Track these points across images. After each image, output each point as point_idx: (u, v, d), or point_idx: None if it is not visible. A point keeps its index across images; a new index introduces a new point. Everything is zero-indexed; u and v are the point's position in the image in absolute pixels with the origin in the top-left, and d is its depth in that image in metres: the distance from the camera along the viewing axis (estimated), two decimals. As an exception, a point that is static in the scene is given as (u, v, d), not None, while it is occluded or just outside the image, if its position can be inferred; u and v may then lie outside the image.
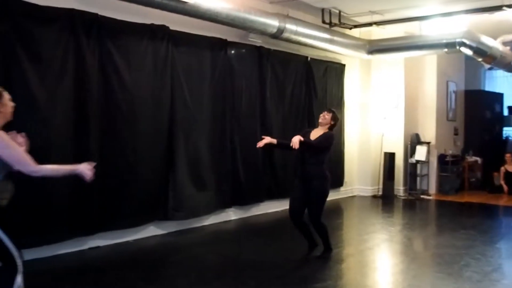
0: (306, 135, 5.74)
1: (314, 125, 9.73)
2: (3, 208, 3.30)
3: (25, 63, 5.44)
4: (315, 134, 5.80)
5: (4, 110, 3.31)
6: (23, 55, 5.42)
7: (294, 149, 5.35)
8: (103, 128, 6.21)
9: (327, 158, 5.84)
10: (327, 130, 5.83)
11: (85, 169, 3.45)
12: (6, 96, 3.35)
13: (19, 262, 3.28)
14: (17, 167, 3.21)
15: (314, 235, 5.96)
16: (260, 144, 5.55)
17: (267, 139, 5.59)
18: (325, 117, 5.83)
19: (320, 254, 5.94)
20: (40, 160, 5.45)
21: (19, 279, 3.28)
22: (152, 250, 6.35)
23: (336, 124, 5.97)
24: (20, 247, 5.30)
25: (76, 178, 5.74)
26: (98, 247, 6.26)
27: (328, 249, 5.99)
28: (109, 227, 6.33)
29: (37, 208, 5.56)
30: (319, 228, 5.84)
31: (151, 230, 6.94)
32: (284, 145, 5.65)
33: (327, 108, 6.16)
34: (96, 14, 6.11)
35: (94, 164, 3.55)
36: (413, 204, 10.43)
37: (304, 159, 5.68)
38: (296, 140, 5.32)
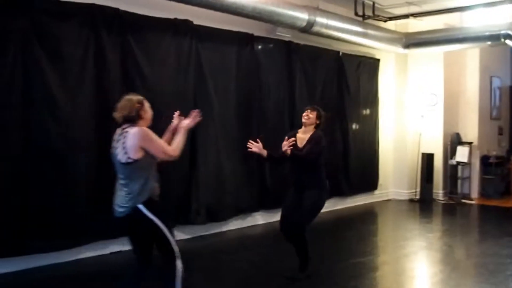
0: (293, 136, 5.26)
1: (347, 125, 9.78)
2: (156, 201, 3.85)
3: (44, 61, 5.55)
4: (301, 137, 5.32)
5: (146, 116, 3.91)
6: (42, 53, 5.53)
7: (286, 157, 5.03)
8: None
9: (323, 162, 5.38)
10: (313, 131, 5.35)
11: (190, 122, 4.13)
12: (146, 103, 3.96)
13: (176, 248, 3.82)
14: (161, 156, 3.78)
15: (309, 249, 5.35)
16: (251, 148, 5.15)
17: (255, 147, 5.15)
18: (309, 116, 5.32)
19: (289, 274, 5.34)
20: (60, 161, 5.62)
21: (179, 264, 3.82)
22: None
23: (323, 123, 5.43)
24: (38, 251, 5.48)
25: (97, 180, 5.95)
26: (120, 251, 6.32)
27: (303, 267, 5.32)
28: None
29: (55, 211, 5.66)
30: (299, 240, 5.20)
31: (176, 235, 6.93)
32: (275, 160, 5.36)
33: (310, 105, 5.53)
34: (117, 9, 6.18)
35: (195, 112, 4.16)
36: (454, 209, 10.31)
37: (294, 166, 5.33)
38: (287, 149, 4.97)
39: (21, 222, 5.42)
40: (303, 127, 5.40)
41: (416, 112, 11.07)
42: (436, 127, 10.96)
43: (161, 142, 3.84)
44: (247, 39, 7.86)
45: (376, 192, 10.82)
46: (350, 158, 9.96)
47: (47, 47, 5.56)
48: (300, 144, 5.27)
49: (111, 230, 6.12)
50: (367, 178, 10.48)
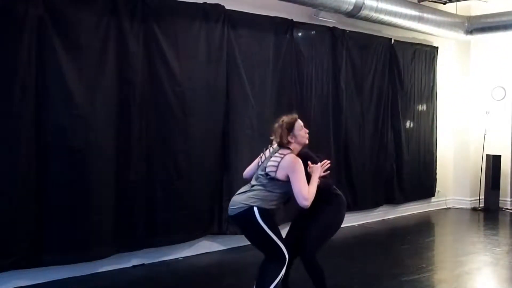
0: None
1: (399, 124, 9.67)
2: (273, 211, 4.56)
3: (61, 51, 5.61)
4: None
5: (296, 141, 4.62)
6: (58, 43, 5.59)
7: None
8: (149, 127, 6.33)
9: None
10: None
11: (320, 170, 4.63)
12: (297, 125, 4.66)
13: (286, 255, 4.47)
14: (296, 194, 4.34)
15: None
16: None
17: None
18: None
19: None
20: (77, 162, 5.70)
21: (283, 271, 4.47)
22: (204, 270, 6.41)
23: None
24: (54, 263, 5.57)
25: (118, 184, 6.02)
26: (143, 264, 6.39)
27: None
28: (155, 243, 6.45)
29: (76, 221, 5.73)
30: (314, 268, 4.88)
31: (204, 246, 7.03)
32: None
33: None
34: (140, -7, 6.25)
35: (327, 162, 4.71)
36: (524, 219, 10.17)
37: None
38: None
39: (36, 231, 5.51)
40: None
41: (480, 108, 10.95)
42: (503, 125, 10.87)
43: (303, 180, 4.38)
44: (286, 25, 7.85)
45: (433, 199, 10.77)
46: (404, 160, 9.91)
47: (63, 37, 5.62)
48: None
49: (134, 241, 6.23)
50: (423, 184, 10.41)
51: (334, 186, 5.11)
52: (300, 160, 4.42)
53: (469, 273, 6.53)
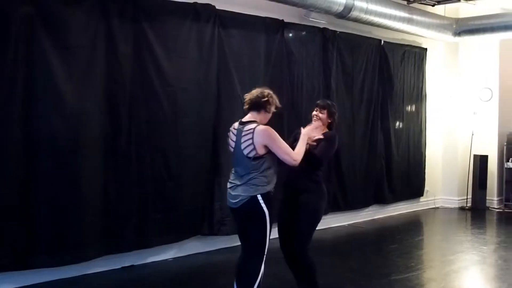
0: (297, 138, 4.79)
1: (389, 124, 9.66)
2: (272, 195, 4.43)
3: (50, 51, 5.49)
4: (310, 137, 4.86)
5: (269, 115, 4.52)
6: (47, 42, 5.47)
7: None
8: (139, 127, 6.24)
9: (325, 165, 5.13)
10: (325, 130, 5.01)
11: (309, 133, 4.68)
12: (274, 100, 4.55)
13: (265, 252, 4.39)
14: (284, 158, 4.33)
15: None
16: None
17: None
18: (319, 116, 5.00)
19: None
20: (66, 163, 5.59)
21: (263, 266, 4.40)
22: (194, 271, 6.34)
23: (336, 121, 5.12)
24: (42, 266, 5.44)
25: (108, 184, 5.91)
26: (132, 266, 6.30)
27: None
28: (145, 244, 6.36)
29: (65, 223, 5.62)
30: (305, 264, 4.82)
31: (194, 247, 6.95)
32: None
33: (320, 102, 5.16)
34: (130, -7, 6.16)
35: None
36: (510, 218, 10.25)
37: (293, 167, 4.60)
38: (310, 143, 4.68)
39: (24, 233, 5.39)
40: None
41: (468, 108, 11.00)
42: (490, 126, 10.91)
43: (284, 144, 4.37)
44: (276, 25, 7.80)
45: (422, 199, 10.82)
46: (393, 161, 9.93)
47: (52, 36, 5.51)
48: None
49: (124, 242, 6.13)
50: (412, 184, 10.46)
51: (320, 173, 4.95)
52: (269, 127, 4.36)
53: (457, 271, 6.57)
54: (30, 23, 5.36)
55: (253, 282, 4.35)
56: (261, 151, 4.27)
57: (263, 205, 4.30)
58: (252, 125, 4.34)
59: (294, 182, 4.86)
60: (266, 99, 4.43)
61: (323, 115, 5.00)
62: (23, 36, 5.33)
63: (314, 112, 5.06)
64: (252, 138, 4.26)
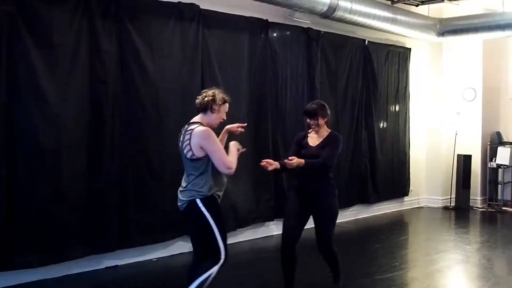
0: (301, 141, 5.20)
1: (373, 124, 9.68)
2: (216, 199, 4.32)
3: (32, 49, 5.48)
4: (314, 139, 5.17)
5: (218, 115, 4.40)
6: (29, 41, 5.45)
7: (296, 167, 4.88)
8: (122, 126, 6.22)
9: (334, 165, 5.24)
10: (327, 130, 5.21)
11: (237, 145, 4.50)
12: (227, 107, 4.48)
13: (222, 256, 4.27)
14: (217, 163, 4.18)
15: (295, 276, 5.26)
16: (265, 165, 4.92)
17: (273, 164, 4.92)
18: (316, 124, 5.11)
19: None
20: (49, 163, 5.56)
21: (215, 269, 4.24)
22: (179, 271, 6.21)
23: (329, 115, 5.26)
24: (23, 266, 5.41)
25: (91, 184, 5.89)
26: (116, 266, 6.28)
27: (338, 281, 5.34)
28: (128, 244, 6.34)
29: (47, 223, 5.59)
30: (331, 256, 5.21)
31: (178, 247, 6.93)
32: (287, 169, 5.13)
33: (309, 109, 5.19)
34: (114, -8, 6.14)
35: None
36: (494, 217, 10.29)
37: (306, 169, 5.01)
38: (293, 163, 4.81)
39: (5, 233, 5.35)
40: (311, 132, 5.24)
41: (452, 108, 11.02)
42: (474, 126, 10.91)
43: (219, 150, 4.24)
44: (261, 25, 7.80)
45: (406, 199, 10.82)
46: (377, 160, 9.93)
47: (35, 34, 5.50)
48: (312, 143, 5.15)
49: (107, 242, 6.11)
50: (396, 183, 10.47)
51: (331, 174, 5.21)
52: (210, 129, 4.23)
53: (441, 271, 6.57)
54: (12, 21, 5.33)
55: (196, 282, 4.19)
56: (198, 153, 4.17)
57: (203, 209, 4.18)
58: (194, 126, 4.26)
59: (311, 186, 5.07)
60: (209, 98, 4.32)
61: (315, 121, 5.09)
62: (5, 35, 5.30)
63: (308, 121, 5.14)
64: (190, 139, 4.19)
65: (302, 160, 4.85)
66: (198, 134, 4.16)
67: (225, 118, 4.47)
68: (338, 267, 5.30)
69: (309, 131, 5.23)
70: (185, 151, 4.22)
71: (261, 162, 4.94)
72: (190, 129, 4.23)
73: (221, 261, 4.27)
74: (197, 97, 4.40)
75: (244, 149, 4.58)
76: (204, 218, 4.19)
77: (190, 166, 4.24)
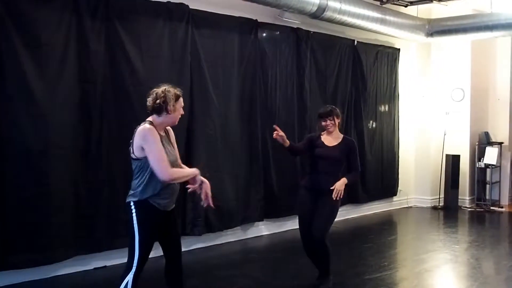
0: (315, 141, 5.58)
1: (362, 124, 9.69)
2: (152, 205, 3.99)
3: (21, 48, 5.45)
4: (328, 138, 5.57)
5: (174, 114, 4.09)
6: (18, 40, 5.42)
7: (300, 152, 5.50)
8: (111, 126, 6.20)
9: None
10: (341, 135, 5.68)
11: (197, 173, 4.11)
12: (182, 102, 4.19)
13: (134, 264, 3.94)
14: (153, 167, 3.87)
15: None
16: (277, 134, 5.24)
17: (280, 136, 5.24)
18: (332, 124, 5.54)
19: (318, 283, 5.55)
20: (37, 163, 5.53)
21: (129, 277, 3.94)
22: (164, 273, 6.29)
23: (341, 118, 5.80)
24: (12, 267, 5.37)
25: (79, 185, 5.86)
26: (104, 267, 6.26)
27: (327, 276, 5.54)
28: (116, 244, 6.26)
29: (35, 223, 5.56)
30: (324, 248, 5.40)
31: (167, 247, 6.87)
32: (296, 150, 5.74)
33: (323, 111, 5.65)
34: (103, -9, 6.12)
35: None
36: (482, 217, 10.32)
37: (318, 167, 5.50)
38: (340, 188, 5.31)
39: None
40: (324, 134, 5.62)
41: (440, 108, 11.05)
42: (462, 126, 10.93)
43: (158, 153, 3.90)
44: (250, 25, 7.80)
45: (395, 198, 10.83)
46: (366, 161, 9.90)
47: (23, 34, 5.47)
48: (328, 143, 5.54)
49: (95, 243, 6.11)
50: (385, 183, 10.49)
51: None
52: (154, 130, 3.92)
53: (430, 270, 6.60)
54: (0, 21, 5.29)
55: None
56: (138, 152, 3.94)
57: (133, 213, 3.94)
58: (142, 124, 4.02)
59: (320, 182, 5.42)
60: (161, 100, 4.04)
61: (332, 121, 5.52)
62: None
63: (324, 123, 5.52)
64: (133, 137, 3.98)
65: (345, 180, 5.35)
66: (139, 133, 3.92)
67: (182, 113, 4.20)
68: (328, 262, 5.48)
69: (322, 133, 5.61)
70: (131, 149, 4.01)
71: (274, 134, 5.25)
72: (137, 127, 4.02)
73: (133, 269, 3.94)
74: (147, 98, 4.12)
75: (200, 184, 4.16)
76: (131, 222, 3.95)
77: (134, 165, 4.02)
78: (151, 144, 3.87)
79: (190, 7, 6.91)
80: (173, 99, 4.07)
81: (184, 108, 6.67)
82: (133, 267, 3.95)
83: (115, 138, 6.22)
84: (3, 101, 5.37)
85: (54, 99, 5.69)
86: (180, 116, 4.17)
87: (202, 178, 4.16)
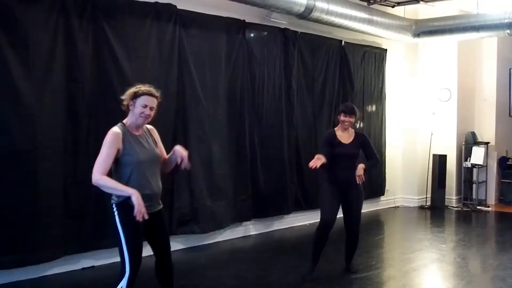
0: (333, 141, 5.90)
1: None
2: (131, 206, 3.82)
3: (7, 49, 5.44)
4: (343, 135, 5.96)
5: (135, 112, 4.05)
6: (4, 40, 5.41)
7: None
8: (98, 127, 6.13)
9: None
10: (352, 130, 6.07)
11: (137, 200, 3.80)
12: (144, 100, 4.10)
13: (127, 269, 3.91)
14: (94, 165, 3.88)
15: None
16: (314, 164, 5.44)
17: (321, 159, 5.49)
18: (350, 122, 5.94)
19: (353, 269, 6.23)
20: (24, 163, 5.52)
21: (123, 283, 3.90)
22: (152, 271, 6.25)
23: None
24: (2, 267, 5.35)
25: (66, 185, 5.86)
26: (92, 267, 6.26)
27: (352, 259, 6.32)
28: (105, 244, 6.27)
29: (21, 220, 5.55)
30: (358, 235, 6.19)
31: (154, 247, 6.88)
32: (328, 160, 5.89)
33: (347, 108, 6.01)
34: (90, -9, 6.12)
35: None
36: (468, 216, 10.34)
37: (340, 164, 5.85)
38: (360, 174, 5.79)
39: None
40: (341, 130, 5.96)
41: (427, 109, 11.07)
42: (449, 126, 10.96)
43: (103, 156, 3.92)
44: (238, 26, 7.81)
45: (383, 198, 10.84)
46: (354, 160, 9.87)
47: (9, 34, 5.45)
48: (345, 141, 5.93)
49: (82, 243, 6.10)
50: (373, 183, 10.41)
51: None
52: (114, 133, 3.93)
53: (417, 269, 6.62)
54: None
55: None
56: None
57: (116, 215, 3.93)
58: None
59: (345, 177, 5.84)
60: (123, 99, 4.12)
61: (352, 120, 5.91)
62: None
63: (344, 118, 5.87)
64: None
65: (363, 165, 5.85)
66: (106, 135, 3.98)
67: (145, 111, 4.07)
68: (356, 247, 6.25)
69: (335, 128, 6.00)
70: None
71: (310, 165, 5.47)
72: None
73: (126, 275, 3.92)
74: None
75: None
76: (115, 224, 3.95)
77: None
78: (103, 145, 3.93)
79: (178, 7, 6.91)
80: (130, 98, 4.08)
81: (171, 108, 6.84)
82: (126, 272, 3.93)
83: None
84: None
85: (41, 99, 5.68)
86: (144, 116, 4.06)
87: (176, 149, 4.26)
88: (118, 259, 6.31)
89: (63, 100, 5.90)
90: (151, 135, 4.26)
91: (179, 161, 4.22)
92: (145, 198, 3.90)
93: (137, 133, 4.09)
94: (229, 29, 7.66)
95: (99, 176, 3.84)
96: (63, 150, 5.90)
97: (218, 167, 7.54)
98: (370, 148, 6.10)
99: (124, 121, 4.10)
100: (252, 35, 8.08)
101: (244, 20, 7.86)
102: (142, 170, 4.01)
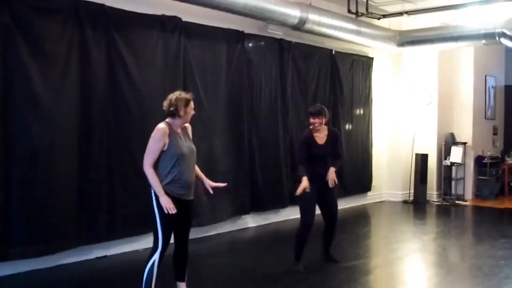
0: (310, 142, 5.74)
1: (339, 126, 9.71)
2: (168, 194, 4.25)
3: (27, 58, 5.45)
4: (319, 136, 5.79)
5: (185, 116, 4.37)
6: (24, 49, 5.43)
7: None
8: (110, 129, 6.22)
9: None
10: (325, 127, 5.85)
11: (166, 203, 4.20)
12: (192, 104, 4.44)
13: (159, 244, 4.25)
14: (144, 156, 4.26)
15: None
16: (301, 191, 5.49)
17: (304, 183, 5.49)
18: (319, 123, 5.72)
19: (335, 258, 6.10)
20: (42, 162, 5.53)
21: (155, 256, 4.26)
22: (164, 260, 6.28)
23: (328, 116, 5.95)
24: (18, 257, 5.34)
25: (80, 181, 5.86)
26: (105, 256, 6.26)
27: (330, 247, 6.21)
28: (117, 235, 6.33)
29: (39, 214, 5.56)
30: (336, 223, 6.03)
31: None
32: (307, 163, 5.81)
33: (313, 110, 5.83)
34: (103, 5, 6.11)
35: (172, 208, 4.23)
36: (448, 210, 10.33)
37: (316, 161, 5.72)
38: (333, 177, 5.68)
39: (3, 227, 5.32)
40: (314, 132, 5.77)
41: (411, 112, 11.07)
42: (430, 127, 10.95)
43: (151, 148, 4.24)
44: (237, 36, 7.81)
45: (369, 193, 10.82)
46: (343, 159, 9.80)
47: (29, 44, 5.47)
48: (320, 141, 5.75)
49: (95, 234, 6.11)
50: (360, 180, 10.48)
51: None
52: (162, 129, 4.24)
53: (400, 258, 6.63)
54: (8, 32, 5.30)
55: (146, 277, 4.29)
56: None
57: (153, 199, 4.24)
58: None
59: (321, 172, 5.68)
60: (173, 108, 4.32)
61: (320, 120, 5.68)
62: (1, 44, 5.26)
63: (312, 120, 5.68)
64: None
65: (334, 169, 5.70)
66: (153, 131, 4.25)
67: (193, 113, 4.51)
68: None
69: (311, 128, 5.75)
70: None
71: (296, 193, 5.56)
72: None
73: (159, 249, 4.26)
74: (163, 103, 4.38)
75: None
76: (152, 207, 4.26)
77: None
78: (151, 139, 4.23)
79: (183, 19, 6.93)
80: (183, 105, 4.33)
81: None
82: (159, 247, 4.25)
83: (114, 140, 6.25)
84: (11, 106, 5.36)
85: (58, 103, 5.69)
86: (191, 116, 4.46)
87: (206, 183, 4.77)
88: (128, 249, 6.55)
89: (77, 104, 5.91)
90: (186, 132, 4.52)
91: (204, 189, 4.81)
92: (180, 184, 4.28)
93: (178, 131, 4.37)
94: (229, 39, 7.67)
95: (148, 167, 4.22)
96: (78, 150, 5.91)
97: (219, 165, 7.54)
98: (338, 146, 5.87)
99: (167, 120, 4.33)
100: (250, 44, 8.08)
101: (243, 31, 7.87)
102: (183, 161, 4.30)
